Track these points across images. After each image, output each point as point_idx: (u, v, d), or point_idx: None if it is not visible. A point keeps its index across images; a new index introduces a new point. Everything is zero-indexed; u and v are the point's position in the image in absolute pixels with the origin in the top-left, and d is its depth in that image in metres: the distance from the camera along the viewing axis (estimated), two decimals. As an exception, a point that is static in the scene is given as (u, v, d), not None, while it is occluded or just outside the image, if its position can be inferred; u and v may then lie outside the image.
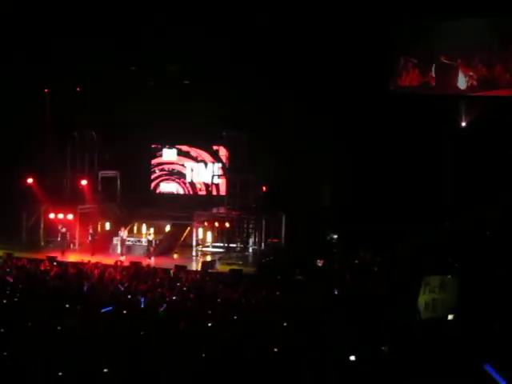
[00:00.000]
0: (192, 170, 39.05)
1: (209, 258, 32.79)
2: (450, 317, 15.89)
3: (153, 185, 40.05)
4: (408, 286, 18.81)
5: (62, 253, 32.56)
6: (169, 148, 39.42)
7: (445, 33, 31.14)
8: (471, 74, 30.96)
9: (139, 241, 34.28)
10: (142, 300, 18.72)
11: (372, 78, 30.81)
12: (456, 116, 31.35)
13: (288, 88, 31.64)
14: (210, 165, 38.42)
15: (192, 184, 39.13)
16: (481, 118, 30.64)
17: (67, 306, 17.61)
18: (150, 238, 33.32)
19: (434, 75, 31.59)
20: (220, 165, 37.67)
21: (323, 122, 31.93)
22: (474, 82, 31.01)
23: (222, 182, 37.94)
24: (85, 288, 21.06)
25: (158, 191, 40.03)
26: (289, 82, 31.51)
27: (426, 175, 30.77)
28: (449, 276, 17.78)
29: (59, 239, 34.35)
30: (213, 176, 37.95)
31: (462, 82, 31.14)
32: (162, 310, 17.52)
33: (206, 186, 38.51)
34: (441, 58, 31.32)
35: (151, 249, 32.90)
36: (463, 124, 31.44)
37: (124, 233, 33.67)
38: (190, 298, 20.50)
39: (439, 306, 16.48)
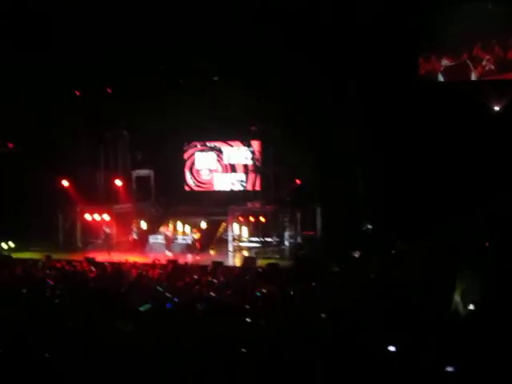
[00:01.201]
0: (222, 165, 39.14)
1: (246, 254, 32.86)
2: (471, 306, 15.83)
3: (187, 181, 40.01)
4: (446, 275, 18.76)
5: (109, 253, 32.87)
6: (202, 151, 39.42)
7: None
8: (488, 57, 30.72)
9: (176, 238, 34.48)
10: (176, 300, 18.77)
11: (399, 67, 30.67)
12: (488, 101, 31.05)
13: (319, 80, 31.56)
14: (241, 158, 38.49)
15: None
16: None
17: (106, 306, 17.74)
18: (196, 235, 33.51)
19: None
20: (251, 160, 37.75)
21: (356, 112, 31.80)
22: (492, 66, 30.76)
23: (255, 176, 37.90)
24: (123, 288, 21.22)
25: (191, 187, 39.93)
26: (319, 73, 31.44)
27: (460, 162, 30.51)
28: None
29: (101, 240, 34.67)
30: (246, 171, 37.97)
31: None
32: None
33: (240, 181, 38.42)
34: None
35: (197, 245, 33.10)
36: (496, 108, 31.12)
37: (168, 230, 33.97)
38: (227, 293, 20.57)
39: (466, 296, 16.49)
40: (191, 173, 39.80)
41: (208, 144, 39.21)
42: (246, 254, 32.92)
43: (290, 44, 31.07)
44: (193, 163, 39.70)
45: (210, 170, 39.28)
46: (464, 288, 16.72)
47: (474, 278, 17.49)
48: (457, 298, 16.62)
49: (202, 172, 39.54)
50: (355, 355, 11.68)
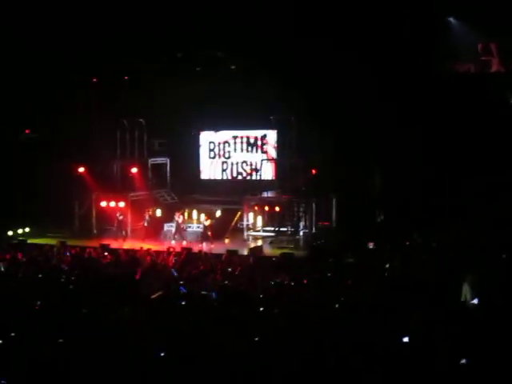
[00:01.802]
0: (237, 150, 39.41)
1: (259, 243, 32.87)
2: (476, 301, 15.85)
3: (202, 169, 40.16)
4: (460, 270, 18.72)
5: (123, 240, 33.11)
6: (214, 131, 39.68)
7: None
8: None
9: (190, 226, 34.52)
10: (182, 289, 18.75)
11: (415, 61, 30.63)
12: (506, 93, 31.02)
13: (339, 72, 31.49)
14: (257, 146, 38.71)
15: (240, 165, 39.38)
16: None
17: (121, 293, 17.80)
18: (207, 223, 33.42)
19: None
20: (269, 148, 37.87)
21: (371, 104, 31.72)
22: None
23: (271, 165, 37.95)
24: (138, 275, 21.26)
25: (207, 177, 40.13)
26: (338, 64, 31.38)
27: (477, 154, 30.36)
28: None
29: (115, 227, 34.68)
30: (262, 160, 37.98)
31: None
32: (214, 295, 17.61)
33: (256, 169, 38.43)
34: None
35: (209, 233, 33.01)
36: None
37: (180, 218, 33.89)
38: (242, 282, 20.58)
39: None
40: (208, 161, 39.98)
41: (225, 132, 39.35)
42: (260, 243, 32.94)
43: (309, 35, 31.05)
44: (210, 151, 39.85)
45: (227, 159, 39.44)
46: (473, 281, 16.71)
47: (483, 274, 17.51)
48: (466, 290, 16.63)
49: (218, 161, 39.69)
50: (368, 346, 11.67)
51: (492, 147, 30.13)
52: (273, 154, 37.97)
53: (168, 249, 28.07)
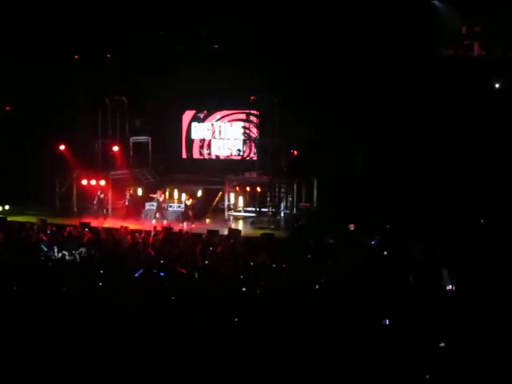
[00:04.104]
0: (220, 132, 39.37)
1: (240, 223, 32.90)
2: (450, 286, 16.00)
3: (184, 149, 40.12)
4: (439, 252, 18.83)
5: (104, 218, 32.94)
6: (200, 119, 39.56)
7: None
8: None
9: (171, 206, 34.42)
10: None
11: (405, 43, 30.63)
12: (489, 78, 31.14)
13: (322, 52, 31.47)
14: (238, 127, 38.71)
15: (222, 145, 39.46)
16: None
17: (101, 271, 17.78)
18: (188, 202, 33.26)
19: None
20: (251, 128, 37.79)
21: (354, 87, 31.70)
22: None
23: (253, 146, 37.85)
24: (118, 253, 21.24)
25: (189, 156, 40.10)
26: (323, 45, 31.34)
27: (460, 139, 30.45)
28: None
29: (95, 205, 34.43)
30: (244, 141, 37.97)
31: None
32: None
33: (238, 149, 38.39)
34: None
35: (190, 213, 32.90)
36: (497, 86, 31.14)
37: (161, 197, 33.68)
38: (222, 262, 20.59)
39: None
40: (189, 140, 39.90)
41: (207, 112, 39.31)
42: (241, 223, 32.97)
43: (294, 20, 31.04)
44: (191, 131, 39.77)
45: (210, 138, 39.45)
46: (451, 266, 16.85)
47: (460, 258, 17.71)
48: (445, 274, 16.75)
49: (199, 140, 39.68)
50: (349, 328, 11.72)
51: (476, 134, 30.25)
52: (255, 134, 37.83)
53: (154, 228, 28.07)
